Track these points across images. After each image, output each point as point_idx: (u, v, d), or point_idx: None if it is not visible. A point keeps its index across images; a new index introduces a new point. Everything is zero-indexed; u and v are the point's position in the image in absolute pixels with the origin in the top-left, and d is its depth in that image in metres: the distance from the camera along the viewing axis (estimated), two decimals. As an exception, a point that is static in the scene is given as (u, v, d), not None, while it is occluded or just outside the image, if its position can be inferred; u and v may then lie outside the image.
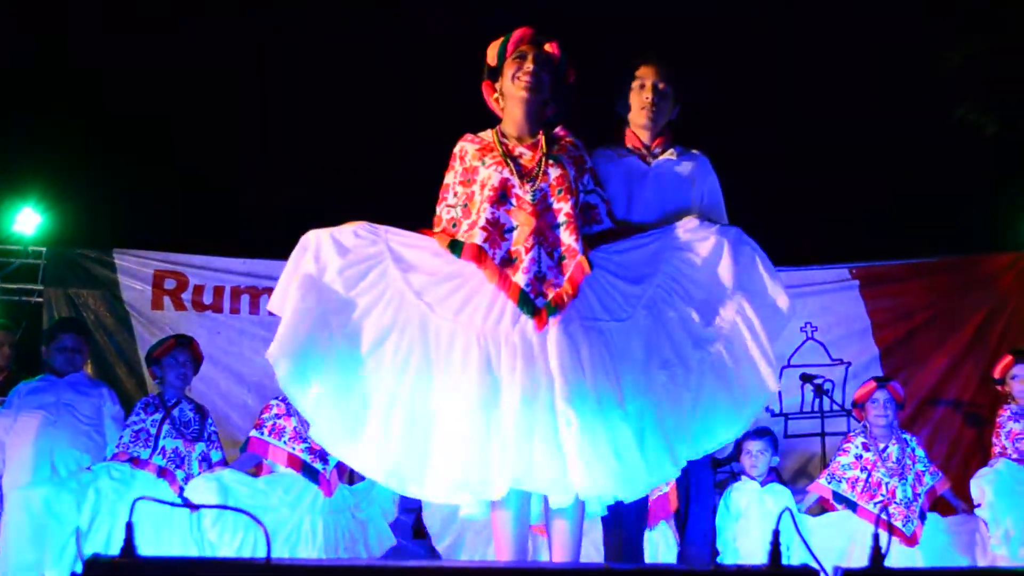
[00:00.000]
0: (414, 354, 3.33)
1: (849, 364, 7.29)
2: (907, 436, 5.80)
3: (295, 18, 8.58)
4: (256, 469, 5.56)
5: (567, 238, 3.40)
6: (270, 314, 3.81)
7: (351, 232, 3.46)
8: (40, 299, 7.03)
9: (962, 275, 7.34)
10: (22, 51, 8.01)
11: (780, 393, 7.19)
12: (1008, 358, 6.00)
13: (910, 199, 8.15)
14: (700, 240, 3.55)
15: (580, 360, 3.27)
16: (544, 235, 3.39)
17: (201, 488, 5.16)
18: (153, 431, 5.47)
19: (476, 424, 3.21)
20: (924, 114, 7.44)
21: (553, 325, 3.29)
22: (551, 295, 3.32)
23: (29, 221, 7.02)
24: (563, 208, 3.42)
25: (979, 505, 5.55)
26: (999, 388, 6.06)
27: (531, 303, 3.30)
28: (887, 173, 8.31)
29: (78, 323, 6.48)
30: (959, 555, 5.55)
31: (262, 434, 5.44)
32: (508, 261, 3.37)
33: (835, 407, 6.65)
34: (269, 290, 7.16)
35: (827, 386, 6.85)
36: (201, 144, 8.38)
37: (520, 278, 3.33)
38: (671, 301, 3.48)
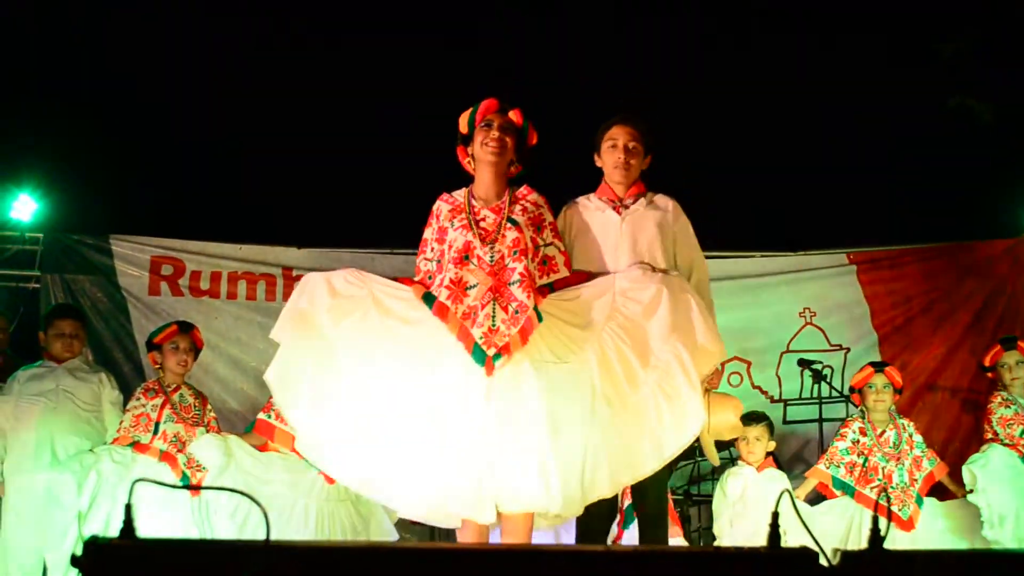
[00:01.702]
0: (385, 384, 3.80)
1: (848, 349, 7.29)
2: (904, 421, 5.80)
3: (296, 7, 8.56)
4: (262, 449, 5.55)
5: (520, 295, 3.80)
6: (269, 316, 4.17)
7: (342, 278, 3.95)
8: (37, 285, 7.03)
9: (960, 261, 7.35)
10: (18, 38, 7.98)
11: (779, 379, 7.20)
12: (996, 347, 6.02)
13: (908, 184, 8.13)
14: (643, 288, 3.93)
15: (524, 396, 3.70)
16: (500, 292, 3.81)
17: (207, 445, 5.26)
18: (154, 415, 5.47)
19: (426, 455, 3.71)
20: (921, 99, 7.42)
21: (500, 369, 3.71)
22: (501, 345, 3.72)
23: (26, 207, 7.03)
24: (517, 268, 3.84)
25: (971, 491, 5.58)
26: (989, 375, 6.07)
27: (482, 353, 3.72)
28: (885, 158, 8.29)
29: (75, 309, 6.43)
30: (956, 540, 5.55)
31: (270, 417, 5.42)
32: (467, 315, 3.79)
33: (834, 393, 6.64)
34: (265, 276, 7.16)
35: (826, 372, 6.84)
36: (197, 130, 8.35)
37: (476, 332, 3.75)
38: (614, 343, 3.86)
